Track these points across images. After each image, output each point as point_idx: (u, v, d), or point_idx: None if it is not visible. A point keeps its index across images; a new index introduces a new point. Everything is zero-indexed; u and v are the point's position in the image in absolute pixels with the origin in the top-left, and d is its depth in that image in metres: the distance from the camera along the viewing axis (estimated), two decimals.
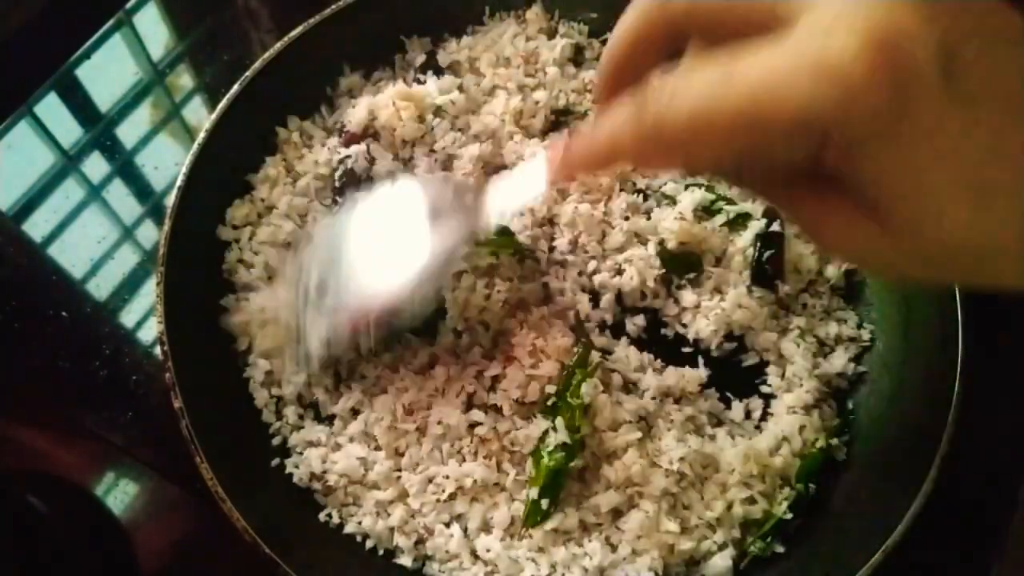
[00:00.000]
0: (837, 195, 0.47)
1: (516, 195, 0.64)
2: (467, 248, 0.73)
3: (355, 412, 0.84)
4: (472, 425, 0.81)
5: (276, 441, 0.84)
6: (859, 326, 0.91)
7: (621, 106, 0.48)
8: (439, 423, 0.81)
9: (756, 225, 0.90)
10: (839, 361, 0.88)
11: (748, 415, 0.86)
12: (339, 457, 0.81)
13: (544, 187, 0.60)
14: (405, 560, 0.79)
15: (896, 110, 0.40)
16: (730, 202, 0.92)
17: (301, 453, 0.83)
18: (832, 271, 0.91)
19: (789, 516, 0.80)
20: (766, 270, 0.89)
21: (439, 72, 1.00)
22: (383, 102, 0.90)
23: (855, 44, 0.39)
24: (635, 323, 0.89)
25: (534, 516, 0.77)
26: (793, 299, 0.90)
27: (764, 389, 0.87)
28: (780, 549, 0.80)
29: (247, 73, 0.91)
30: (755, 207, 0.92)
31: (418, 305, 0.71)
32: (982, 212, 0.43)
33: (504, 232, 0.87)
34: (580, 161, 0.55)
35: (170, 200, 0.84)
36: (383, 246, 0.71)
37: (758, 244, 0.90)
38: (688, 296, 0.88)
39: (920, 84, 0.40)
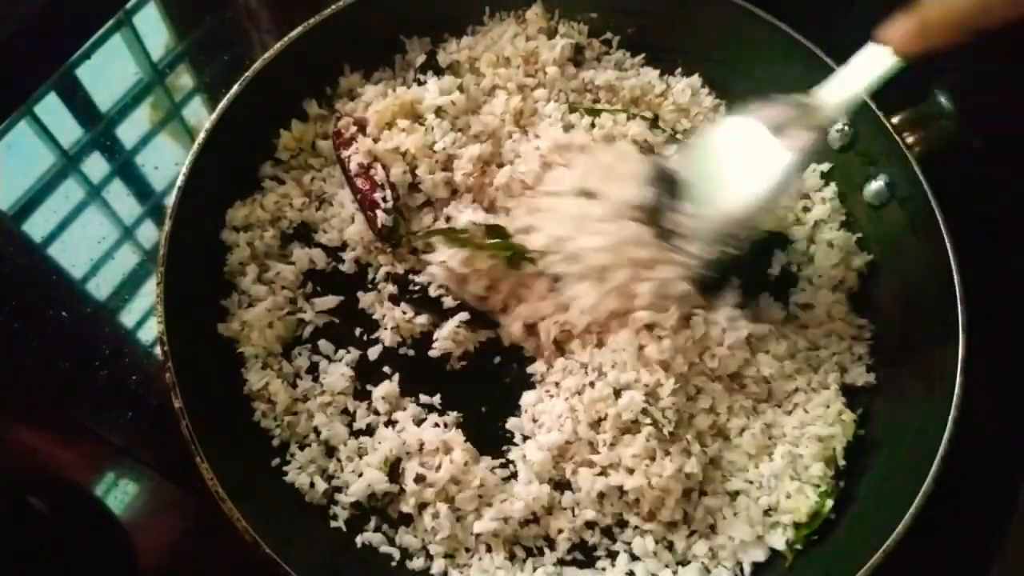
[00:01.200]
0: None
1: (852, 84, 0.75)
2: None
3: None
4: None
5: (276, 441, 0.84)
6: (860, 328, 0.92)
7: None
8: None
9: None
10: (855, 370, 0.89)
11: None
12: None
13: (883, 69, 0.71)
14: (420, 564, 0.79)
15: None
16: None
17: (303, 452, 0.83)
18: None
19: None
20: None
21: (439, 72, 1.00)
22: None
23: None
24: None
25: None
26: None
27: None
28: (781, 548, 0.80)
29: (247, 73, 0.91)
30: None
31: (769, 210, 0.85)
32: None
33: (498, 234, 0.88)
34: (939, 19, 0.63)
35: (170, 200, 0.84)
36: (740, 159, 0.79)
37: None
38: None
39: None
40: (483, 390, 0.88)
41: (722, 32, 1.00)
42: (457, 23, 1.04)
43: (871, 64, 0.73)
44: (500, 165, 0.95)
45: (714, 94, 1.04)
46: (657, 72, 1.04)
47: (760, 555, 0.80)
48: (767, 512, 0.82)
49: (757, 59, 0.99)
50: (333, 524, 0.81)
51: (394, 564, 0.80)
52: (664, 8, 1.02)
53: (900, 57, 0.70)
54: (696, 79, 1.04)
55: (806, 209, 0.98)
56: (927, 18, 0.65)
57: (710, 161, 0.82)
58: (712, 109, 1.03)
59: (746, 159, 0.79)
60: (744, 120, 0.79)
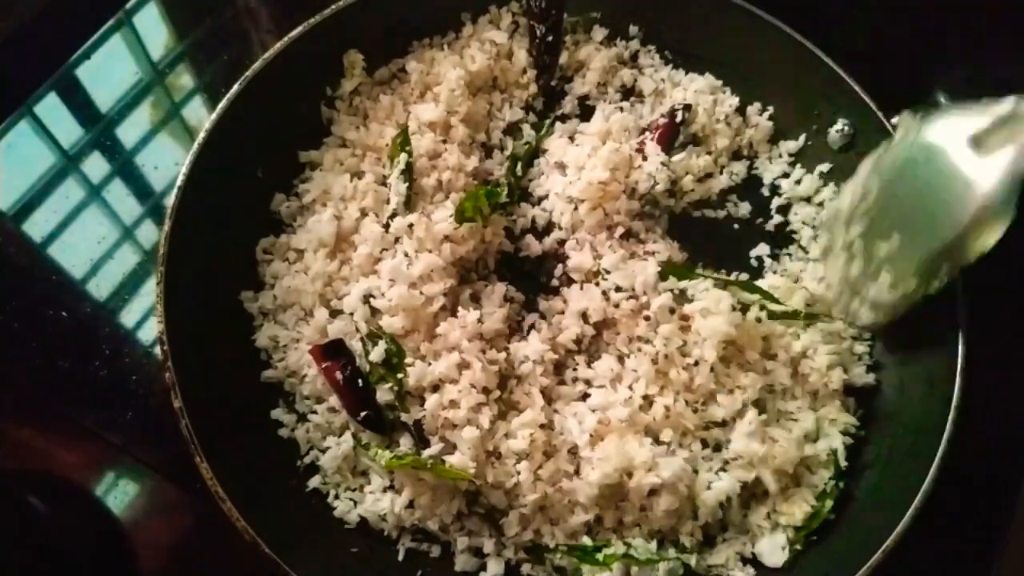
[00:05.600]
0: None
1: None
2: None
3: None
4: None
5: (274, 436, 0.84)
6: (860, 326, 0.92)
7: None
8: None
9: None
10: (855, 370, 0.88)
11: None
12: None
13: None
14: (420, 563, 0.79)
15: None
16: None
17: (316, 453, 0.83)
18: None
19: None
20: None
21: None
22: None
23: None
24: None
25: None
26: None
27: None
28: (781, 548, 0.80)
29: (247, 73, 0.91)
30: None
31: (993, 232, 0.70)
32: None
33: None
34: None
35: (170, 200, 0.84)
36: (928, 193, 0.71)
37: None
38: None
39: None
40: None
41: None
42: (457, 23, 1.04)
43: None
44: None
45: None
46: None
47: (760, 555, 0.80)
48: (767, 513, 0.82)
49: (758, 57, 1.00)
50: (333, 524, 0.81)
51: (395, 563, 0.80)
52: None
53: None
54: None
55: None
56: None
57: (907, 184, 0.73)
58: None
59: (946, 180, 0.69)
60: (940, 132, 0.71)
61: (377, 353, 0.81)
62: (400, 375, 0.81)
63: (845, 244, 0.83)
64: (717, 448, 0.84)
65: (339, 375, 0.81)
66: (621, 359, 0.86)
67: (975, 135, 0.68)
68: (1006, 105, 0.67)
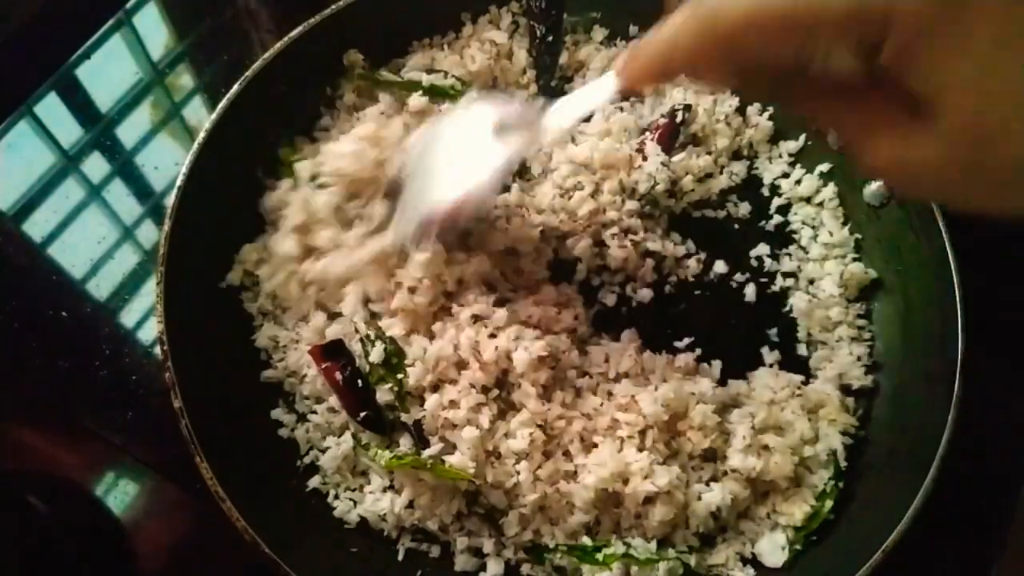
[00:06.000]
0: (888, 103, 0.45)
1: (578, 107, 0.74)
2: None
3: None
4: None
5: (274, 436, 0.84)
6: (860, 328, 0.92)
7: (680, 9, 0.49)
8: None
9: None
10: (854, 371, 0.88)
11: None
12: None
13: (606, 96, 0.69)
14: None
15: None
16: None
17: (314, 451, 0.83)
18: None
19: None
20: None
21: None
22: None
23: None
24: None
25: None
26: None
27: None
28: (781, 548, 0.80)
29: (247, 73, 0.91)
30: None
31: (476, 208, 0.81)
32: None
33: None
34: (644, 65, 0.58)
35: (170, 200, 0.84)
36: (457, 155, 0.79)
37: None
38: None
39: None
40: None
41: None
42: (457, 23, 1.04)
43: (598, 91, 0.70)
44: None
45: None
46: None
47: (760, 555, 0.80)
48: (768, 514, 0.82)
49: None
50: (333, 524, 0.81)
51: (395, 563, 0.80)
52: None
53: (623, 90, 0.67)
54: None
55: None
56: (645, 54, 0.58)
57: (430, 154, 0.81)
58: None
59: (464, 154, 0.78)
60: (474, 112, 0.79)
61: (377, 354, 0.81)
62: (400, 375, 0.81)
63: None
64: (710, 458, 0.83)
65: (339, 375, 0.81)
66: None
67: (500, 123, 0.77)
68: (533, 102, 0.77)
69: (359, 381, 0.82)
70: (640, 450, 0.79)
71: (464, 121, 0.80)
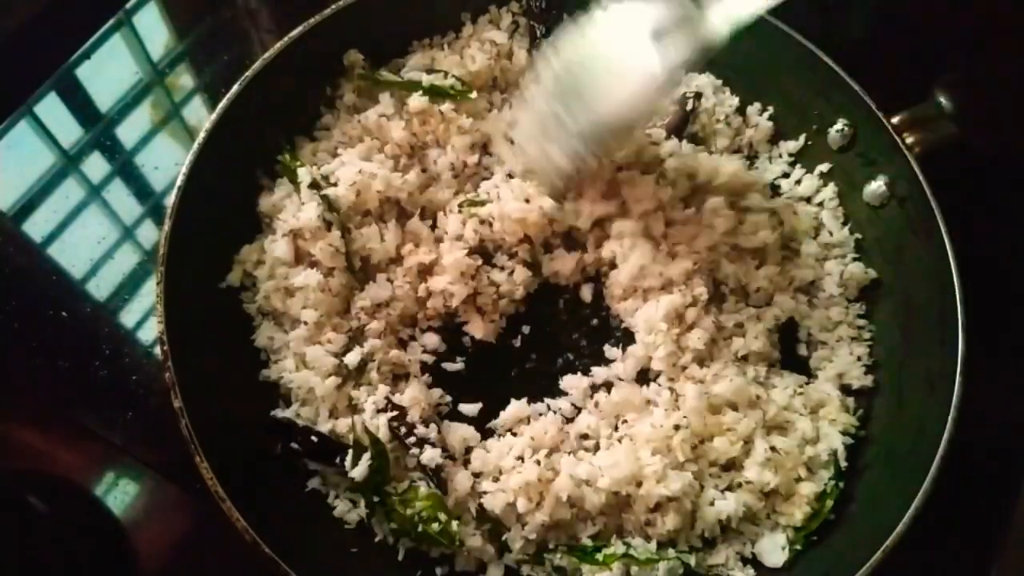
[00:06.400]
0: None
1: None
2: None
3: None
4: None
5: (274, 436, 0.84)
6: (860, 328, 0.92)
7: None
8: None
9: None
10: (854, 371, 0.89)
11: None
12: None
13: None
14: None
15: None
16: None
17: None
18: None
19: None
20: None
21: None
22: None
23: None
24: None
25: None
26: None
27: None
28: (781, 548, 0.80)
29: (247, 73, 0.91)
30: None
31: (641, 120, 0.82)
32: None
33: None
34: None
35: (170, 200, 0.84)
36: (614, 66, 0.76)
37: None
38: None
39: None
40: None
41: None
42: (457, 23, 1.04)
43: None
44: None
45: None
46: None
47: (760, 555, 0.80)
48: (768, 514, 0.82)
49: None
50: (333, 524, 0.81)
51: (395, 563, 0.80)
52: None
53: None
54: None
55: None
56: None
57: (583, 59, 0.78)
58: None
59: (619, 63, 0.75)
60: (626, 15, 0.75)
61: (360, 471, 0.78)
62: (376, 498, 0.79)
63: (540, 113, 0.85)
64: (727, 467, 0.83)
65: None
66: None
67: (656, 28, 0.73)
68: (684, 7, 0.73)
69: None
70: (655, 454, 0.79)
71: (615, 28, 0.75)
